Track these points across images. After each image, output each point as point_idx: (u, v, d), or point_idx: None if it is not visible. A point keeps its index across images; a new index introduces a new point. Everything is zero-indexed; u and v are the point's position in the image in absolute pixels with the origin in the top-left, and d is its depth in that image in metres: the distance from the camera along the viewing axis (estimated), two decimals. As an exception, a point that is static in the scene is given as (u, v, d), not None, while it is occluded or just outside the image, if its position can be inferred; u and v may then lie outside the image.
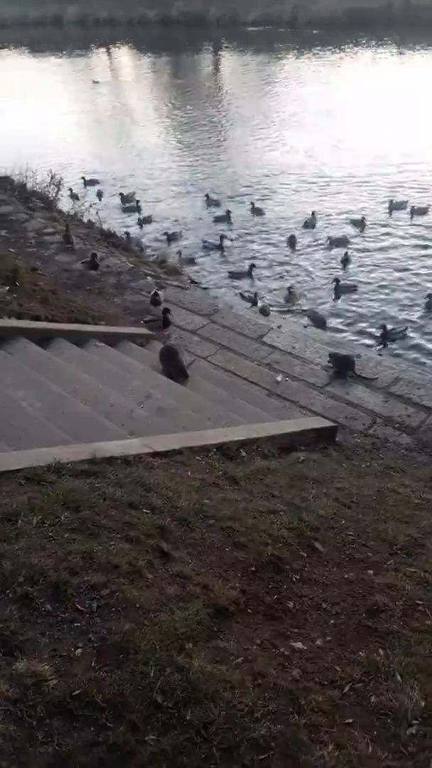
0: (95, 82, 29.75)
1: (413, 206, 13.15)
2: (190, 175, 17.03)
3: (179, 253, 11.50)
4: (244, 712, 2.08)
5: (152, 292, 8.06)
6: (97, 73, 32.93)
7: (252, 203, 13.87)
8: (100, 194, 14.97)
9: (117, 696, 2.08)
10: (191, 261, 11.51)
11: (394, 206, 13.31)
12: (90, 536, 2.81)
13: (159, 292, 8.11)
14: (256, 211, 13.61)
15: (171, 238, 12.44)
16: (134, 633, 2.32)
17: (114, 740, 1.95)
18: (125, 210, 14.25)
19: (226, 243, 12.24)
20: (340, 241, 12.01)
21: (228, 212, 13.54)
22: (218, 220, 13.43)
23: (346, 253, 11.43)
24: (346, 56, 31.67)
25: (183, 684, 2.15)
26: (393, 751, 2.01)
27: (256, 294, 10.05)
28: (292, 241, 12.21)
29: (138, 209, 14.12)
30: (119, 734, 1.97)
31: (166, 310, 7.65)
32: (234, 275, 11.18)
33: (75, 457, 3.57)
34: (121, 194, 14.62)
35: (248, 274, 11.10)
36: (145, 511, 3.16)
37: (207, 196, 14.59)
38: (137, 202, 14.28)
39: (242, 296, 9.33)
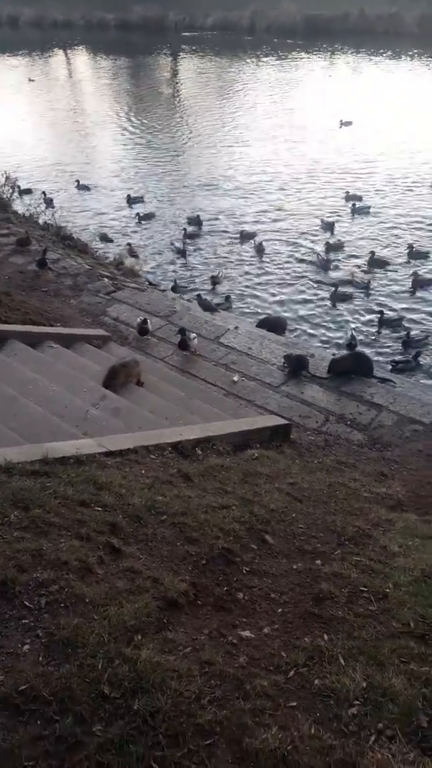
0: (31, 80, 29.37)
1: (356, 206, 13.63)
2: (144, 178, 17.02)
3: (129, 247, 11.60)
4: (190, 699, 2.12)
5: (139, 321, 7.40)
6: (44, 74, 32.59)
7: (188, 218, 13.84)
8: (49, 201, 14.56)
9: (64, 689, 2.09)
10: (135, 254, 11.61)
11: (356, 211, 13.62)
12: (40, 534, 2.81)
13: (146, 319, 7.46)
14: (193, 221, 13.60)
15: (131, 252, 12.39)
16: (83, 627, 2.34)
17: (60, 732, 1.97)
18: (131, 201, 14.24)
19: (179, 246, 12.31)
20: (250, 235, 12.63)
21: (193, 220, 13.58)
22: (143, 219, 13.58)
23: (260, 243, 12.16)
24: (303, 63, 32.18)
25: (131, 675, 2.17)
26: (335, 731, 2.08)
27: (227, 298, 10.22)
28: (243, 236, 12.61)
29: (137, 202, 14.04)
30: (66, 726, 1.98)
31: (183, 330, 7.19)
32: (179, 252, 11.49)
33: (26, 457, 3.56)
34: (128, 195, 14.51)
35: (182, 252, 11.77)
36: (96, 508, 3.17)
37: (129, 196, 14.71)
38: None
39: (200, 299, 9.38)
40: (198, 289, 10.79)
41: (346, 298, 10.36)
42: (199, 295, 9.89)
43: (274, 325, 8.91)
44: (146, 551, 2.97)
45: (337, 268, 11.41)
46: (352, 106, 22.43)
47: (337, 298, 10.32)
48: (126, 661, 2.22)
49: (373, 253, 11.55)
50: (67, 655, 2.23)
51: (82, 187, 15.42)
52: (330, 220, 13.26)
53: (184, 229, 12.77)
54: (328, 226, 13.03)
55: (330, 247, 12.00)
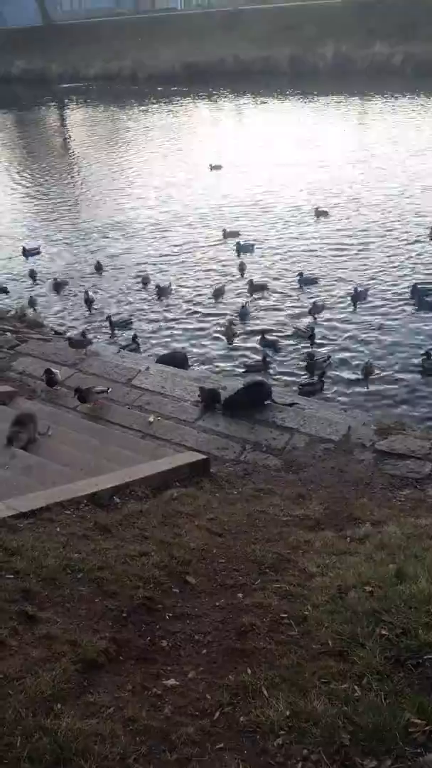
0: None
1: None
2: (40, 227, 16.93)
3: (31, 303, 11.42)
4: (115, 761, 2.07)
5: (45, 371, 7.40)
6: None
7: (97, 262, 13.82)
8: None
9: (-20, 777, 1.99)
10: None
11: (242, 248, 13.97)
12: None
13: (54, 370, 7.48)
14: (97, 267, 13.57)
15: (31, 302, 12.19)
16: (-3, 706, 2.24)
17: None
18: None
19: (92, 295, 12.21)
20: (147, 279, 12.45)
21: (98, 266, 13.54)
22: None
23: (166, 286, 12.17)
24: (186, 107, 33.43)
25: (52, 747, 2.10)
26: (262, 765, 2.09)
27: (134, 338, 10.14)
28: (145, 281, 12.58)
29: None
30: None
31: (48, 371, 7.37)
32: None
33: None
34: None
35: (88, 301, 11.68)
36: (7, 576, 3.06)
37: (24, 248, 14.53)
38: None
39: (70, 341, 9.18)
40: (106, 333, 10.73)
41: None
42: (62, 334, 9.76)
43: (173, 359, 9.02)
44: (63, 613, 2.89)
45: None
46: (228, 148, 23.45)
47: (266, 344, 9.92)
48: (46, 734, 2.14)
49: (251, 280, 11.90)
50: (-18, 738, 2.12)
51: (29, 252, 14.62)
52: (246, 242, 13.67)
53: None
54: (246, 248, 13.44)
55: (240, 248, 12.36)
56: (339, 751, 2.08)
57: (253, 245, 13.79)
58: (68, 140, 29.18)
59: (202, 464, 5.69)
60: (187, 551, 3.67)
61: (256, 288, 11.74)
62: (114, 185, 20.20)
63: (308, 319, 10.52)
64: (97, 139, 28.28)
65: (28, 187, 21.07)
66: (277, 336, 10.11)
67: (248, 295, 11.72)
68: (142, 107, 34.01)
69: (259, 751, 2.14)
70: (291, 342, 9.96)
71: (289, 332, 10.24)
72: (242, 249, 13.63)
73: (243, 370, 9.16)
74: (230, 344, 10.25)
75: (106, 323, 10.87)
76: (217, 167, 20.33)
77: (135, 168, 22.09)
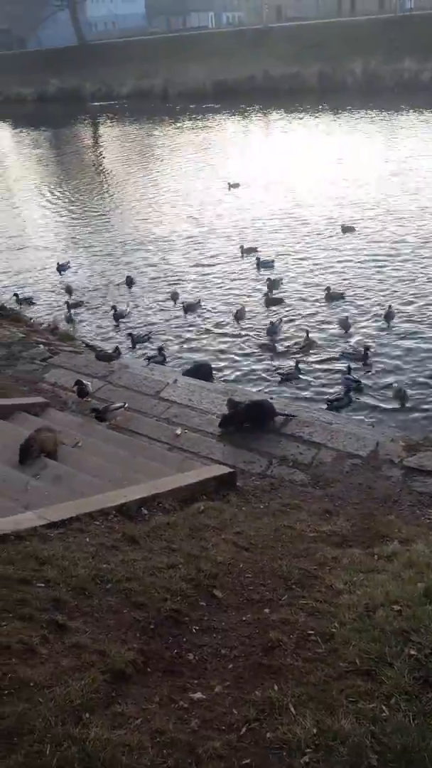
0: None
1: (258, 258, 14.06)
2: (74, 244, 17.27)
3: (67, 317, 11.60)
4: (143, 773, 2.09)
5: (76, 383, 7.36)
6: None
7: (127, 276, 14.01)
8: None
9: (11, 783, 2.03)
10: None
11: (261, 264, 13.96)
12: (-21, 620, 2.74)
13: (85, 381, 7.42)
14: (128, 282, 13.73)
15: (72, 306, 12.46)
16: (28, 713, 2.28)
17: None
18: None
19: (123, 309, 12.40)
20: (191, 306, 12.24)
21: (129, 278, 13.77)
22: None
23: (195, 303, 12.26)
24: (214, 124, 33.87)
25: (80, 756, 2.13)
26: (289, 783, 2.08)
27: (161, 350, 10.29)
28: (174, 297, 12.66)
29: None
30: None
31: (79, 382, 7.38)
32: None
33: (-38, 540, 3.48)
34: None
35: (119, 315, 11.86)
36: (38, 585, 3.12)
37: (58, 264, 14.78)
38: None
39: (96, 353, 9.32)
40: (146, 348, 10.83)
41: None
42: (93, 347, 9.91)
43: (197, 371, 9.11)
44: (92, 623, 2.93)
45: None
46: (258, 164, 23.62)
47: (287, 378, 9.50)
48: (75, 743, 2.17)
49: (328, 288, 11.91)
50: (13, 744, 2.16)
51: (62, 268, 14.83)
52: (268, 258, 13.72)
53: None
54: (266, 264, 13.42)
55: (271, 284, 12.31)
56: (367, 771, 2.07)
57: (272, 261, 13.83)
58: (101, 156, 29.79)
59: (228, 477, 5.71)
60: (214, 565, 3.69)
61: (275, 301, 11.73)
62: (145, 201, 20.55)
63: (358, 338, 10.47)
64: (129, 155, 28.83)
65: (62, 202, 21.57)
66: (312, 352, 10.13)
67: (322, 301, 11.70)
68: (174, 124, 34.57)
69: (285, 768, 2.13)
70: (328, 355, 10.00)
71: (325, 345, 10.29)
72: (262, 265, 13.70)
73: (279, 379, 9.42)
74: (239, 325, 10.71)
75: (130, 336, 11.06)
76: (235, 185, 20.52)
77: (166, 184, 22.44)
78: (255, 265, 13.76)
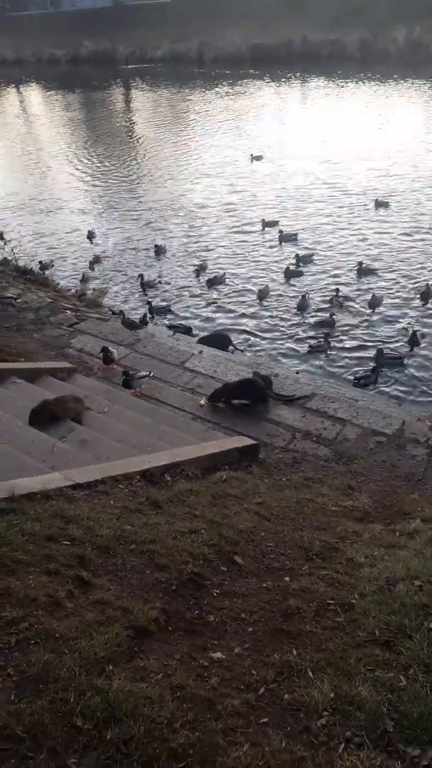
0: None
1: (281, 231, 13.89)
2: (103, 209, 17.21)
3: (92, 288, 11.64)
4: (163, 724, 2.16)
5: (102, 350, 7.47)
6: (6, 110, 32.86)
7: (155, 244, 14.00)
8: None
9: (37, 725, 2.11)
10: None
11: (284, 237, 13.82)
12: (7, 572, 2.83)
13: (111, 348, 7.53)
14: (157, 251, 13.71)
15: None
16: (54, 662, 2.36)
17: (34, 768, 1.98)
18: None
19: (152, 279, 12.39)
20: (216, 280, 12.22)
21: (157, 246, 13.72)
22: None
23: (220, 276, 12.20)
24: (250, 90, 33.06)
25: (103, 705, 2.20)
26: (305, 743, 2.13)
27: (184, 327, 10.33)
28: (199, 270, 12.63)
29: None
30: (40, 762, 2.00)
31: (105, 349, 7.48)
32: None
33: (-8, 496, 3.56)
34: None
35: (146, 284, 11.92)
36: (64, 542, 3.19)
37: (90, 232, 14.78)
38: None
39: (123, 318, 9.38)
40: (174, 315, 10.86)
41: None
42: (122, 313, 9.97)
43: (215, 341, 9.12)
44: (116, 581, 3.00)
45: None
46: (294, 133, 23.09)
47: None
48: (98, 693, 2.25)
49: (360, 263, 11.78)
50: (39, 691, 2.24)
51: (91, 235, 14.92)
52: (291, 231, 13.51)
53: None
54: (288, 237, 13.25)
55: (300, 259, 12.17)
56: (382, 736, 2.10)
57: (295, 235, 13.63)
58: (133, 122, 29.40)
59: (251, 449, 5.73)
60: (236, 532, 3.73)
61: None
62: (177, 168, 20.29)
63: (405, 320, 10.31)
64: (162, 120, 28.39)
65: (92, 167, 21.42)
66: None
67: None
68: (208, 89, 33.84)
69: (302, 729, 2.18)
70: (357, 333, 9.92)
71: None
72: (284, 239, 13.51)
73: (307, 350, 9.55)
74: (261, 304, 10.82)
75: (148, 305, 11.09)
76: (258, 158, 20.09)
77: (199, 151, 22.10)
78: (277, 239, 13.59)
